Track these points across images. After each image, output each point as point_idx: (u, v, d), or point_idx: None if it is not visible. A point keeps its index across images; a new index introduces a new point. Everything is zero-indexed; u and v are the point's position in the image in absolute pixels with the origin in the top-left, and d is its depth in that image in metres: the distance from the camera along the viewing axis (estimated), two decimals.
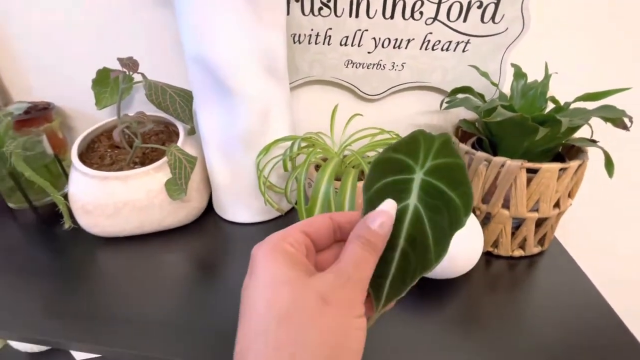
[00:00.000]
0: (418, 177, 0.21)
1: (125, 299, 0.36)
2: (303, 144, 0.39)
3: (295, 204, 0.46)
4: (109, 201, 0.40)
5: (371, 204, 0.21)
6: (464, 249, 0.35)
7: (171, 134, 0.50)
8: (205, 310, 0.35)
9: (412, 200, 0.21)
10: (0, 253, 0.43)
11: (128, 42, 0.53)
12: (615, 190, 0.53)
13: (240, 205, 0.47)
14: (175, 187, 0.41)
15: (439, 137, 0.21)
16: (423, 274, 0.19)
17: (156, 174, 0.42)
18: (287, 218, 0.49)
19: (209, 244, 0.46)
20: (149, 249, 0.44)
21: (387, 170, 0.21)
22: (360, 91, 0.50)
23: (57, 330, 0.33)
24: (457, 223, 0.19)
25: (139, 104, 0.58)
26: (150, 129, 0.48)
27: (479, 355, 0.30)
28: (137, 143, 0.42)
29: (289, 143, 0.41)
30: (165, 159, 0.42)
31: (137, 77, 0.43)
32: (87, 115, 0.61)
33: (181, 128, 0.48)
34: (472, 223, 0.35)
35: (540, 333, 0.32)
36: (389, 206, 0.19)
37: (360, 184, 0.27)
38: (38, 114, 0.54)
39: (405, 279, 0.19)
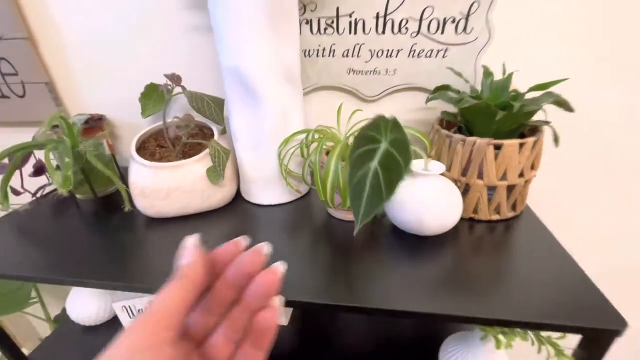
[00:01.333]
0: (383, 146, 0.33)
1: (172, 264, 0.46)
2: (316, 135, 0.49)
3: (311, 184, 0.55)
4: (163, 186, 0.51)
5: (353, 165, 0.35)
6: (448, 210, 0.44)
7: (205, 135, 0.61)
8: None
9: (374, 163, 0.35)
10: (70, 232, 0.53)
11: (167, 60, 0.64)
12: (576, 165, 0.62)
13: (265, 190, 0.56)
14: (215, 174, 0.51)
15: (391, 119, 0.33)
16: (380, 206, 0.33)
17: (198, 164, 0.52)
18: (305, 199, 0.58)
19: (239, 222, 0.55)
20: (191, 227, 0.53)
21: (363, 142, 0.34)
22: (361, 94, 0.60)
23: (123, 280, 0.42)
24: (400, 176, 0.32)
25: (175, 111, 0.69)
26: (189, 130, 0.59)
27: (464, 301, 0.37)
28: (184, 139, 0.53)
29: (304, 135, 0.51)
30: (203, 153, 0.53)
31: (176, 89, 0.54)
32: (130, 124, 0.72)
33: (214, 129, 0.58)
34: (452, 190, 0.44)
35: (517, 284, 0.39)
36: (189, 242, 0.22)
37: None
38: (94, 123, 0.66)
39: (371, 207, 0.33)
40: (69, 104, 0.72)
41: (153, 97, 0.64)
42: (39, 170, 0.64)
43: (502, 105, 0.43)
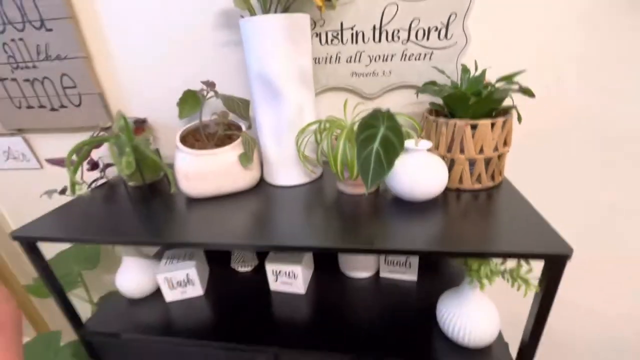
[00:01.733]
0: (381, 130, 0.45)
1: (209, 233, 0.56)
2: (327, 125, 0.61)
3: (323, 163, 0.66)
4: (203, 170, 0.62)
5: (360, 146, 0.48)
6: (435, 178, 0.54)
7: (233, 131, 0.73)
8: (263, 236, 0.55)
9: (375, 144, 0.46)
10: (124, 209, 0.64)
11: (199, 70, 0.77)
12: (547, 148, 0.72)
13: (285, 173, 0.67)
14: (246, 158, 0.62)
15: (386, 111, 0.45)
16: (383, 176, 0.46)
17: (231, 152, 0.64)
18: (318, 181, 0.69)
19: (263, 201, 0.65)
20: (224, 205, 0.64)
21: (365, 128, 0.46)
22: (363, 92, 0.72)
23: (170, 239, 0.53)
24: (397, 154, 0.45)
25: (205, 113, 0.82)
26: (221, 126, 0.71)
27: (452, 243, 0.48)
28: (220, 132, 0.65)
29: (316, 125, 0.62)
30: (235, 142, 0.64)
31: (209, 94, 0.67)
32: (166, 126, 0.84)
33: (242, 125, 0.70)
34: (438, 162, 0.55)
35: (496, 231, 0.49)
36: None
37: None
38: (139, 124, 0.78)
39: (376, 177, 0.46)
40: (115, 110, 0.85)
41: (189, 101, 0.77)
42: (94, 166, 0.77)
43: (475, 93, 0.54)
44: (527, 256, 0.44)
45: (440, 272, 0.76)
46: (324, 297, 0.73)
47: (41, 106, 0.84)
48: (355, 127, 0.56)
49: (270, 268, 0.72)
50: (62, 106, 0.83)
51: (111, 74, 0.81)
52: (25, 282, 1.21)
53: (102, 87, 0.82)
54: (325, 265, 0.81)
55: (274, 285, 0.74)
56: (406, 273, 0.74)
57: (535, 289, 0.46)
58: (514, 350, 0.55)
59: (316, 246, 0.49)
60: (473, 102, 0.53)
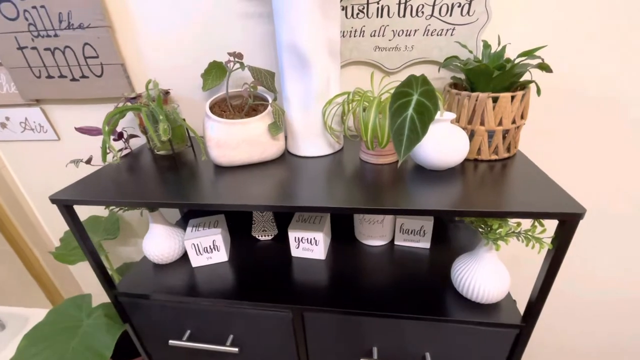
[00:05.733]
0: (415, 98, 0.48)
1: (238, 197, 0.59)
2: (357, 97, 0.63)
3: (351, 135, 0.69)
4: (233, 138, 0.65)
5: (393, 115, 0.50)
6: (458, 146, 0.58)
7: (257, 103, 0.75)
8: (289, 200, 0.58)
9: (410, 111, 0.49)
10: (153, 176, 0.67)
11: (222, 42, 0.78)
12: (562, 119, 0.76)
13: (310, 144, 0.70)
14: (275, 127, 0.65)
15: (420, 76, 0.48)
16: (418, 142, 0.48)
17: (260, 122, 0.66)
18: (340, 153, 0.73)
19: (289, 170, 0.68)
20: (253, 173, 0.67)
21: (399, 97, 0.48)
22: (384, 67, 0.74)
23: (200, 201, 0.56)
24: (431, 118, 0.48)
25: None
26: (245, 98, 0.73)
27: (472, 204, 0.52)
28: (249, 102, 0.67)
29: (342, 98, 0.65)
30: (263, 113, 0.67)
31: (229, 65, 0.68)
32: (188, 99, 0.86)
33: (268, 96, 0.72)
34: (461, 132, 0.58)
35: (509, 199, 0.53)
36: None
37: None
38: (163, 96, 0.80)
39: (410, 144, 0.48)
40: (137, 81, 0.86)
41: (212, 73, 0.78)
42: (119, 136, 0.79)
43: (497, 67, 0.57)
44: (543, 215, 0.48)
45: (451, 241, 0.81)
46: (343, 262, 0.77)
47: (62, 76, 0.85)
48: (383, 98, 0.59)
49: (292, 235, 0.76)
50: (83, 76, 0.84)
51: (134, 44, 0.81)
52: (39, 253, 1.24)
53: (124, 58, 0.82)
54: (342, 233, 0.86)
55: (295, 251, 0.79)
56: (420, 241, 0.79)
57: (549, 246, 0.50)
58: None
59: (342, 206, 0.52)
60: (496, 76, 0.56)
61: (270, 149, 0.68)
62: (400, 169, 0.64)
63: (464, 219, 0.85)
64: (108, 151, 0.70)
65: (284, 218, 0.92)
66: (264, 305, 0.68)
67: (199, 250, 0.76)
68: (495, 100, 0.58)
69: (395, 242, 0.81)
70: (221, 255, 0.78)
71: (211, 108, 0.72)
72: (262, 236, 0.86)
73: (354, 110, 0.63)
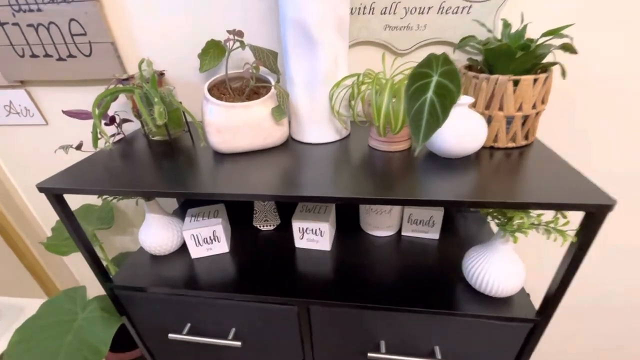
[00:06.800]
0: (435, 79, 0.44)
1: (240, 186, 0.55)
2: (366, 78, 0.59)
3: (360, 123, 0.65)
4: (234, 123, 0.60)
5: (410, 98, 0.46)
6: (476, 133, 0.54)
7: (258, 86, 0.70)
8: (294, 189, 0.54)
9: (429, 94, 0.45)
10: (147, 163, 0.63)
11: (220, 21, 0.73)
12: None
13: (316, 130, 0.66)
14: (279, 111, 0.61)
15: (441, 55, 0.43)
16: (438, 128, 0.44)
17: (263, 106, 0.62)
18: (347, 139, 0.69)
19: (293, 158, 0.63)
20: (255, 160, 0.63)
21: (417, 78, 0.44)
22: (395, 47, 0.69)
23: (195, 189, 0.53)
24: (453, 100, 0.43)
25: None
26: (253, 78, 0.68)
27: (490, 195, 0.49)
28: (251, 84, 0.62)
29: (351, 80, 0.61)
30: (267, 96, 0.62)
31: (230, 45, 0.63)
32: (182, 79, 0.81)
33: (270, 78, 0.67)
34: (479, 119, 0.55)
35: (531, 189, 0.50)
36: None
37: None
38: (159, 77, 0.74)
39: (429, 130, 0.45)
40: (129, 62, 0.80)
41: (210, 53, 0.73)
42: (111, 120, 0.74)
43: (521, 47, 0.53)
44: (570, 207, 0.45)
45: (460, 231, 0.79)
46: (348, 254, 0.74)
47: (47, 55, 0.79)
48: (397, 81, 0.55)
49: (297, 225, 0.73)
50: (71, 56, 0.78)
51: (125, 21, 0.75)
52: (31, 243, 1.20)
53: (115, 36, 0.76)
54: (347, 223, 0.83)
55: (299, 242, 0.75)
56: (429, 232, 0.76)
57: (573, 239, 0.47)
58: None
59: (351, 197, 0.49)
60: (518, 57, 0.52)
61: (274, 134, 0.64)
62: (412, 156, 0.60)
63: (478, 210, 0.82)
64: (99, 136, 0.65)
65: (286, 207, 0.88)
66: (268, 299, 0.66)
67: (199, 241, 0.73)
68: (515, 83, 0.54)
69: (403, 233, 0.78)
70: (222, 246, 0.75)
71: (209, 90, 0.67)
72: (263, 226, 0.83)
73: (364, 94, 0.58)
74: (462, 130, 0.53)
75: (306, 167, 0.60)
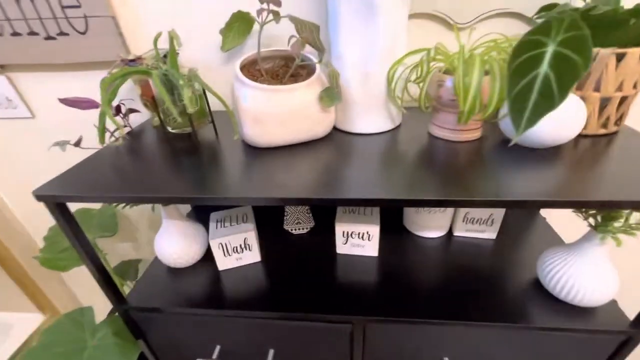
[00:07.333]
0: (551, 49, 0.35)
1: (281, 189, 0.45)
2: (437, 54, 0.49)
3: (426, 108, 0.55)
4: (277, 111, 0.50)
5: (514, 74, 0.37)
6: (574, 120, 0.45)
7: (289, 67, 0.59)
8: (344, 189, 0.45)
9: (543, 68, 0.36)
10: (169, 165, 0.52)
11: None
12: None
13: (368, 117, 0.56)
14: (330, 95, 0.50)
15: (568, 17, 0.33)
16: (550, 111, 0.35)
17: (309, 89, 0.51)
18: (400, 128, 0.59)
19: (341, 150, 0.53)
20: (295, 156, 0.52)
21: (524, 49, 0.35)
22: (452, 20, 0.60)
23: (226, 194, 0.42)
24: (577, 76, 0.34)
25: (250, 47, 0.67)
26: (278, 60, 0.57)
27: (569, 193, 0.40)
28: (297, 61, 0.51)
29: (412, 59, 0.51)
30: (312, 77, 0.52)
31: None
32: (197, 62, 0.69)
33: (312, 58, 0.56)
34: (577, 101, 0.46)
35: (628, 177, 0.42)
36: None
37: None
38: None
39: (536, 114, 0.36)
40: (133, 40, 0.67)
41: (234, 28, 0.61)
42: (117, 110, 0.62)
43: (631, 14, 0.44)
44: None
45: (512, 229, 0.71)
46: (398, 259, 0.65)
47: (32, 33, 0.65)
48: (483, 57, 0.45)
49: (341, 229, 0.63)
50: (62, 33, 0.65)
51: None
52: (19, 254, 1.06)
53: (115, 7, 0.64)
54: (389, 224, 0.73)
55: (342, 248, 0.66)
56: (485, 231, 0.68)
57: None
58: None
59: (421, 199, 0.40)
60: (633, 24, 0.43)
61: (321, 124, 0.54)
62: (483, 147, 0.51)
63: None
64: (107, 129, 0.53)
65: (320, 207, 0.78)
66: (315, 317, 0.56)
67: (227, 251, 0.63)
68: (620, 57, 0.46)
69: (455, 233, 0.70)
70: (253, 255, 0.65)
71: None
72: (295, 230, 0.73)
73: (440, 70, 0.49)
74: (562, 114, 0.44)
75: (358, 162, 0.49)
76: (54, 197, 0.46)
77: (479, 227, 0.68)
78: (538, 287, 0.57)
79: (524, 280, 0.59)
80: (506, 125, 0.50)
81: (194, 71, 0.52)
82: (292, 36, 0.51)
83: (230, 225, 0.63)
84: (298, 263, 0.66)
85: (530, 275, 0.60)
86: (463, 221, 0.68)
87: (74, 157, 0.57)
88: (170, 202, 0.45)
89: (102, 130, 0.51)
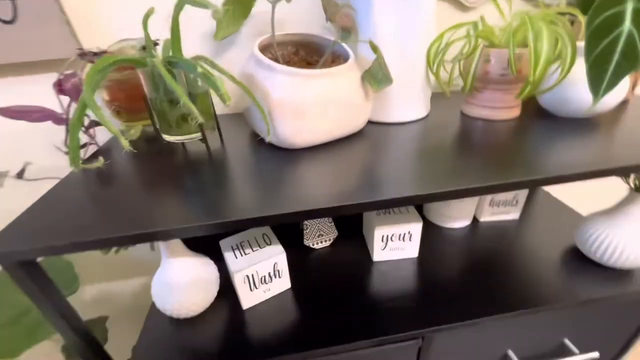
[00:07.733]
0: (630, 5, 0.34)
1: (328, 198, 0.38)
2: (482, 28, 0.45)
3: (467, 83, 0.51)
4: (318, 100, 0.41)
5: (593, 35, 0.35)
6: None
7: (305, 55, 0.50)
8: (387, 189, 0.39)
9: (626, 26, 0.34)
10: (167, 183, 0.39)
11: None
12: None
13: (406, 104, 0.51)
14: (378, 76, 0.43)
15: None
16: (630, 72, 0.34)
17: (350, 73, 0.43)
18: (433, 113, 0.54)
19: (377, 145, 0.45)
20: (332, 155, 0.43)
21: (603, 7, 0.35)
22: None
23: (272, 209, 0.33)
24: None
25: (246, 36, 0.56)
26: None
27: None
28: (338, 41, 0.43)
29: (446, 37, 0.47)
30: (350, 60, 0.44)
31: None
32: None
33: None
34: None
35: None
36: None
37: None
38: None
39: (616, 76, 0.35)
40: (85, 31, 0.51)
41: (230, 12, 0.50)
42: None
43: None
44: None
45: (539, 207, 0.72)
46: (436, 257, 0.61)
47: None
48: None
49: (380, 233, 0.56)
50: None
51: None
52: None
53: None
54: None
55: (380, 254, 0.59)
56: (510, 212, 0.67)
57: None
58: None
59: (480, 186, 0.35)
60: None
61: (362, 115, 0.46)
62: (523, 124, 0.49)
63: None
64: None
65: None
66: (377, 341, 0.48)
67: (254, 283, 0.50)
68: None
69: (482, 219, 0.68)
70: (283, 283, 0.54)
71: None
72: (317, 243, 0.63)
73: (487, 47, 0.45)
74: None
75: (396, 155, 0.42)
76: (19, 254, 0.30)
77: (504, 208, 0.67)
78: (579, 257, 0.57)
79: (564, 252, 0.59)
80: (547, 99, 0.49)
81: (204, 58, 0.40)
82: (344, 5, 0.42)
83: (253, 250, 0.51)
84: (333, 281, 0.57)
85: (568, 246, 0.60)
86: (490, 205, 0.66)
87: (16, 193, 0.40)
88: (181, 235, 0.32)
89: (76, 147, 0.36)
